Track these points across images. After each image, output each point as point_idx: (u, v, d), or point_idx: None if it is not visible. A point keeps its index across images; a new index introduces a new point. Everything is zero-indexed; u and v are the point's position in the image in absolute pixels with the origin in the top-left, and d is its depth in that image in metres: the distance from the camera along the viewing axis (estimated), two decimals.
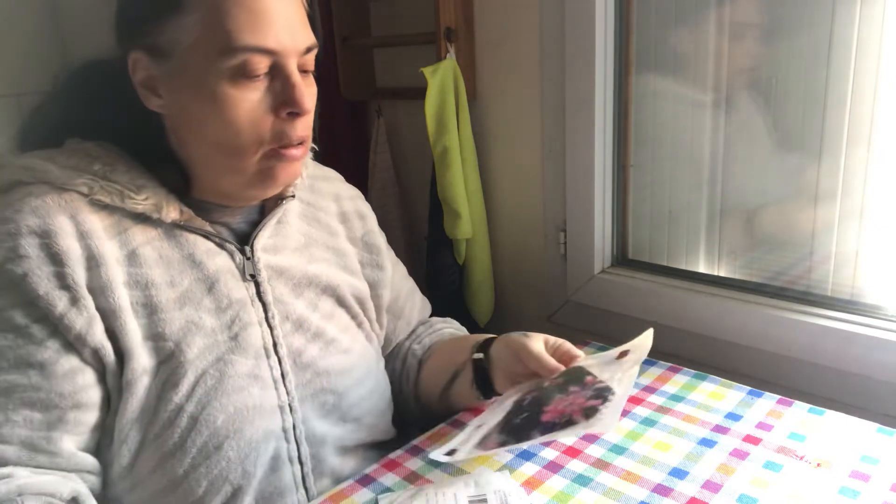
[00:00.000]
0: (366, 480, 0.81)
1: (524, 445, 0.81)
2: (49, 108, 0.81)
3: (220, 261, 0.77)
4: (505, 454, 0.84)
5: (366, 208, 0.97)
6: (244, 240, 0.81)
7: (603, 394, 0.75)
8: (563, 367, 0.82)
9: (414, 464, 0.83)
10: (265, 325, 0.79)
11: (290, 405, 0.79)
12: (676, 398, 0.96)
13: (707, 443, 0.85)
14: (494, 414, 0.83)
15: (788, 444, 0.83)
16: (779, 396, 0.94)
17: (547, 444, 0.83)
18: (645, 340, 0.85)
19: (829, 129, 1.02)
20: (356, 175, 1.69)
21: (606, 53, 1.21)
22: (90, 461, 0.71)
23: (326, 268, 0.86)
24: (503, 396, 0.89)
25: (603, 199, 1.28)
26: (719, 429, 0.88)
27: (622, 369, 0.80)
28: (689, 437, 0.86)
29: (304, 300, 0.83)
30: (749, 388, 0.97)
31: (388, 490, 0.79)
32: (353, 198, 0.96)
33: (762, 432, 0.86)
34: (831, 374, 1.03)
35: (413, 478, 0.81)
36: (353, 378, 0.85)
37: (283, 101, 0.71)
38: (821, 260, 1.08)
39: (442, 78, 1.32)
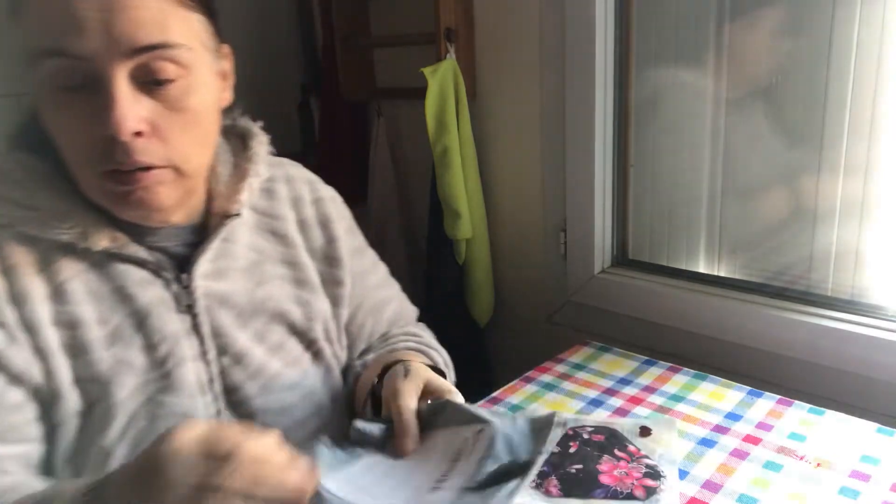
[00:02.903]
0: None
1: None
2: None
3: (153, 292, 0.69)
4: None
5: (332, 211, 0.86)
6: (185, 264, 0.72)
7: (656, 473, 0.78)
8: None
9: None
10: (201, 359, 0.71)
11: None
12: (676, 398, 0.96)
13: (707, 443, 0.85)
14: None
15: (788, 444, 0.83)
16: (779, 396, 0.94)
17: None
18: (671, 435, 0.86)
19: (830, 129, 1.02)
20: (356, 175, 1.69)
21: (606, 53, 1.21)
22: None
23: (279, 288, 0.78)
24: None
25: (603, 199, 1.28)
26: (719, 429, 0.87)
27: (656, 449, 0.81)
28: (689, 437, 0.86)
29: (250, 331, 0.75)
30: (749, 388, 0.97)
31: None
32: (316, 201, 0.85)
33: (762, 432, 0.86)
34: (831, 374, 1.03)
35: None
36: (294, 418, 0.77)
37: (98, 121, 0.58)
38: (821, 260, 1.08)
39: (442, 78, 1.32)
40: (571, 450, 0.83)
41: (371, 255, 0.93)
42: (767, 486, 0.76)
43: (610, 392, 0.99)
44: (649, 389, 0.99)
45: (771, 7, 1.06)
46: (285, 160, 0.86)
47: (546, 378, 1.04)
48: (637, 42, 1.22)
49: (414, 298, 1.57)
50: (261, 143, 0.81)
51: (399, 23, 1.55)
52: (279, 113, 1.73)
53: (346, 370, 0.90)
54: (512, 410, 0.96)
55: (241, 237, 0.76)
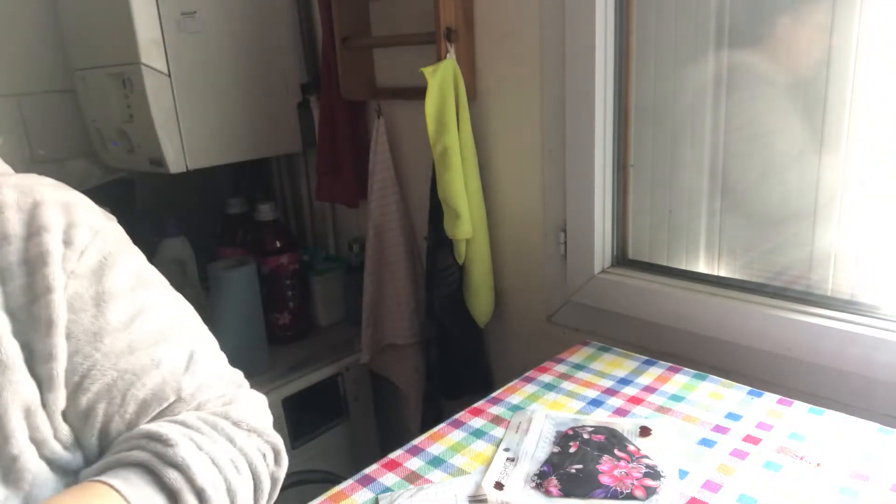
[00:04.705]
0: (366, 480, 0.81)
1: None
2: None
3: None
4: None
5: (52, 239, 0.57)
6: None
7: (656, 473, 0.79)
8: None
9: (414, 464, 0.83)
10: None
11: None
12: (676, 398, 0.96)
13: (707, 443, 0.85)
14: (521, 441, 0.85)
15: (788, 444, 0.83)
16: (779, 396, 0.94)
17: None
18: (671, 435, 0.87)
19: (830, 129, 1.02)
20: (356, 175, 1.69)
21: (606, 53, 1.21)
22: None
23: None
24: (522, 418, 0.91)
25: (603, 199, 1.28)
26: (719, 429, 0.88)
27: (656, 449, 0.83)
28: (689, 437, 0.86)
29: None
30: (749, 388, 0.97)
31: (388, 490, 0.79)
32: (31, 234, 0.57)
33: (762, 432, 0.86)
34: (831, 374, 1.03)
35: (413, 478, 0.81)
36: None
37: None
38: (821, 259, 1.08)
39: (442, 78, 1.32)
40: (571, 450, 0.83)
41: (129, 300, 0.61)
42: (767, 486, 0.76)
43: (610, 392, 0.99)
44: (649, 389, 0.99)
45: (771, 5, 1.06)
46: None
47: (546, 378, 1.04)
48: (637, 42, 1.22)
49: (414, 298, 1.57)
50: None
51: (399, 23, 1.54)
52: (279, 113, 1.73)
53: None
54: (512, 410, 0.96)
55: None
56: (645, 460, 0.81)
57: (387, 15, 1.57)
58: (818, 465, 0.79)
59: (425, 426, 1.00)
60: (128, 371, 0.59)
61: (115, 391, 0.58)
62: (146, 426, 0.57)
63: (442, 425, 0.92)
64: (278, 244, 1.68)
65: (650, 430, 0.88)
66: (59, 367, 0.56)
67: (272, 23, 1.67)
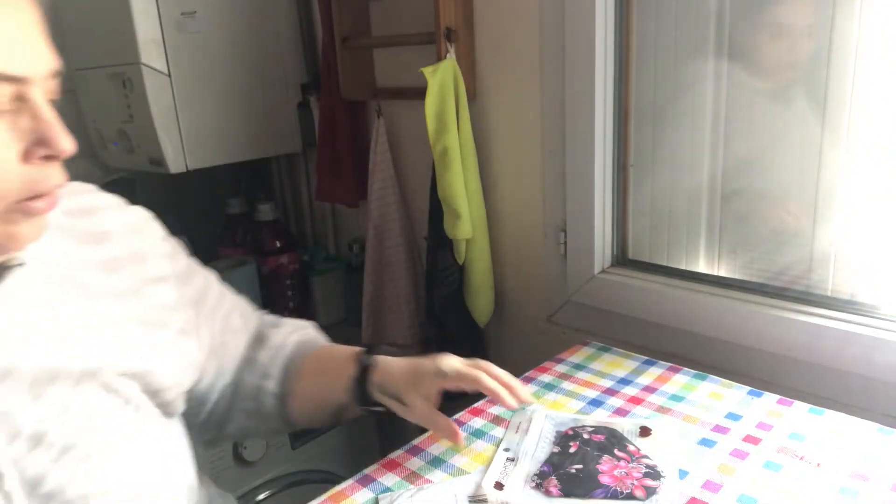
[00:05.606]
0: (366, 480, 0.81)
1: None
2: None
3: None
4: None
5: (152, 243, 0.75)
6: None
7: (656, 473, 0.79)
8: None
9: (414, 464, 0.83)
10: None
11: None
12: (676, 398, 0.96)
13: (707, 443, 0.85)
14: (521, 441, 0.85)
15: (788, 444, 0.83)
16: (779, 396, 0.94)
17: None
18: (671, 435, 0.88)
19: (830, 128, 1.02)
20: (356, 175, 1.69)
21: (606, 53, 1.21)
22: None
23: (82, 349, 0.64)
24: (522, 418, 0.91)
25: (603, 199, 1.28)
26: (719, 429, 0.88)
27: (656, 449, 0.84)
28: (689, 437, 0.86)
29: (47, 401, 0.60)
30: (749, 388, 0.97)
31: (388, 490, 0.79)
32: (130, 232, 0.73)
33: (762, 432, 0.86)
34: (831, 374, 1.03)
35: (413, 478, 0.81)
36: (128, 494, 0.66)
37: (35, 141, 0.55)
38: (821, 259, 1.08)
39: (442, 78, 1.32)
40: (571, 450, 0.83)
41: (199, 269, 0.84)
42: (767, 486, 0.76)
43: (610, 392, 0.99)
44: (649, 389, 0.99)
45: (772, 5, 1.06)
46: (83, 187, 0.74)
47: (546, 378, 1.04)
48: (637, 42, 1.22)
49: (414, 298, 1.58)
50: None
51: (399, 23, 1.54)
52: (279, 113, 1.73)
53: (233, 396, 0.86)
54: (511, 410, 0.96)
55: (26, 286, 0.62)
56: (645, 460, 0.81)
57: (387, 15, 1.57)
58: (818, 465, 0.79)
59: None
60: (224, 320, 0.87)
61: (228, 330, 0.87)
62: (271, 325, 0.94)
63: None
64: (278, 244, 1.68)
65: (650, 430, 0.88)
66: (176, 326, 0.76)
67: (272, 23, 1.67)
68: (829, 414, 0.89)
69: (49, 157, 0.56)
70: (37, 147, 0.55)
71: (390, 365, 0.83)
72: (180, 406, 0.76)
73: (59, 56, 0.58)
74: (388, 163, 1.60)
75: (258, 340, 0.90)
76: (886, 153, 0.99)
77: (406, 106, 1.57)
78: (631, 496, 0.75)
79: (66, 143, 0.56)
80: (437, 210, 1.41)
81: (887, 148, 0.98)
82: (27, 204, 0.56)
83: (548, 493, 0.76)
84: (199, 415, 0.86)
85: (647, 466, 0.80)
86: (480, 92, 1.41)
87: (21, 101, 0.55)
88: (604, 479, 0.78)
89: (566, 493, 0.76)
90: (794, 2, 1.03)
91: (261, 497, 1.51)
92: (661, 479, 0.78)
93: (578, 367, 1.07)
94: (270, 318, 0.97)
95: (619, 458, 0.81)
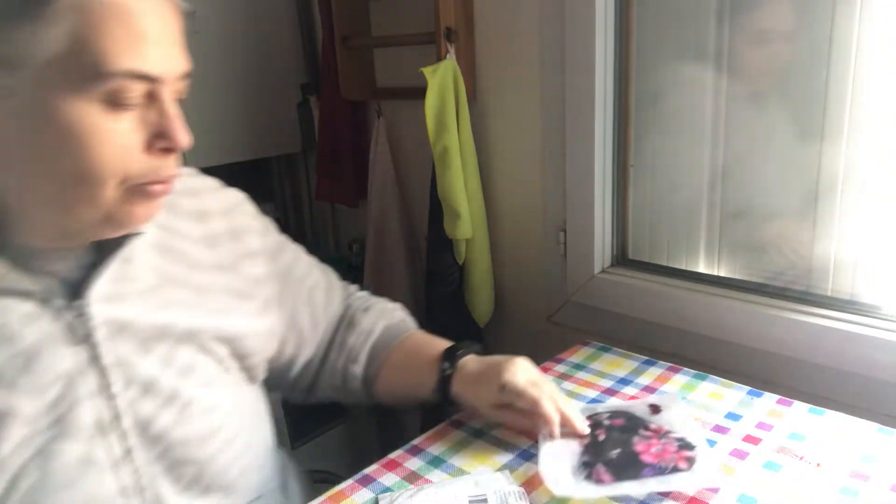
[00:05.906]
0: (366, 480, 0.81)
1: (643, 490, 0.75)
2: None
3: (40, 327, 0.63)
4: (504, 453, 0.84)
5: (246, 221, 0.84)
6: (78, 290, 0.65)
7: (688, 444, 0.80)
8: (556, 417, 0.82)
9: (414, 464, 0.83)
10: (103, 395, 0.65)
11: (139, 485, 0.68)
12: None
13: (707, 443, 0.85)
14: (556, 440, 0.84)
15: (788, 444, 0.83)
16: (779, 396, 0.94)
17: (666, 494, 0.75)
18: (679, 407, 0.89)
19: (830, 128, 1.02)
20: (356, 175, 1.69)
21: (606, 53, 1.21)
22: None
23: (185, 312, 0.72)
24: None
25: (603, 199, 1.28)
26: (719, 429, 0.88)
27: (673, 422, 0.86)
28: None
29: (155, 356, 0.69)
30: (749, 388, 0.97)
31: (388, 490, 0.79)
32: (227, 211, 0.82)
33: (762, 432, 0.86)
34: (831, 374, 1.03)
35: (413, 478, 0.81)
36: (220, 440, 0.74)
37: (157, 133, 0.62)
38: (821, 259, 1.08)
39: (442, 78, 1.32)
40: (601, 437, 0.83)
41: (288, 245, 0.92)
42: (767, 486, 0.76)
43: (610, 392, 0.99)
44: (649, 389, 0.99)
45: (771, 5, 1.06)
46: (185, 170, 0.80)
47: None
48: (637, 41, 1.22)
49: (414, 298, 1.57)
50: None
51: (399, 23, 1.55)
52: (279, 113, 1.73)
53: (322, 373, 0.94)
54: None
55: (141, 256, 0.70)
56: (672, 434, 0.82)
57: (387, 15, 1.57)
58: (818, 465, 0.79)
59: (425, 426, 1.00)
60: (308, 294, 0.92)
61: (311, 304, 0.92)
62: (360, 308, 0.98)
63: (442, 425, 0.92)
64: None
65: (659, 406, 0.89)
66: (262, 301, 0.84)
67: (272, 23, 1.67)
68: (829, 414, 0.89)
69: (167, 150, 0.63)
70: (158, 139, 0.62)
71: (465, 373, 0.87)
72: (262, 372, 0.84)
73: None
74: (388, 163, 1.60)
75: (348, 324, 0.96)
76: (886, 153, 0.98)
77: (406, 106, 1.57)
78: (677, 469, 0.76)
79: (185, 138, 0.63)
80: (437, 210, 1.41)
81: (887, 148, 0.98)
82: (146, 187, 0.63)
83: (600, 481, 0.76)
84: (286, 380, 0.94)
85: (677, 439, 0.81)
86: (480, 92, 1.41)
87: (152, 97, 0.61)
88: (646, 459, 0.78)
89: (618, 478, 0.76)
90: (794, 2, 1.03)
91: None
92: (695, 448, 0.79)
93: (578, 367, 1.07)
94: (360, 297, 1.01)
95: (647, 438, 0.82)
